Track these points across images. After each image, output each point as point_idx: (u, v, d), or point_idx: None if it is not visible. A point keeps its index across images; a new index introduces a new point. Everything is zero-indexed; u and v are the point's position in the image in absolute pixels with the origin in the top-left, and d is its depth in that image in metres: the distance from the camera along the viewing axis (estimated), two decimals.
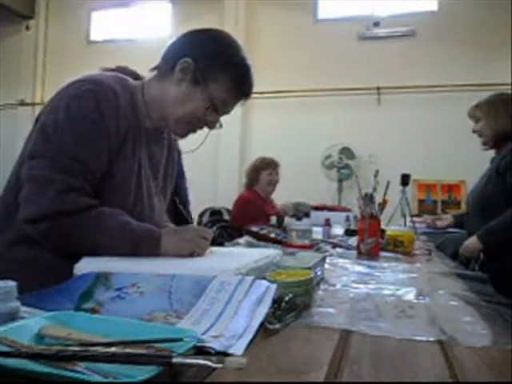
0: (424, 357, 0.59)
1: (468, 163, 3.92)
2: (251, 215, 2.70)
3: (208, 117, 1.06)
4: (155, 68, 1.10)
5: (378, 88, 4.53)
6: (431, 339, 0.65)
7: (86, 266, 0.82)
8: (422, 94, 4.43)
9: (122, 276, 0.76)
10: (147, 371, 0.43)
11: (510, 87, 3.80)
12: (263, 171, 2.99)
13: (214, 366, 0.44)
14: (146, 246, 0.95)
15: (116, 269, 0.79)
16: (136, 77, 1.14)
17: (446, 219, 2.21)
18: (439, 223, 2.23)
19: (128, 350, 0.47)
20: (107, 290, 0.72)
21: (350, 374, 0.53)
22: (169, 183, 1.23)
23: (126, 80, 1.09)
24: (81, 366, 0.45)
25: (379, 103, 4.57)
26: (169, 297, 0.71)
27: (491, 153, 2.03)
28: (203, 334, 0.59)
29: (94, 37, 5.99)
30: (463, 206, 4.19)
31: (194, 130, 1.10)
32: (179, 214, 1.66)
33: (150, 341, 0.51)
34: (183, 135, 1.12)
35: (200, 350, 0.54)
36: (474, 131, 2.02)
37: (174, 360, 0.43)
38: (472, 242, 1.81)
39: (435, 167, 4.28)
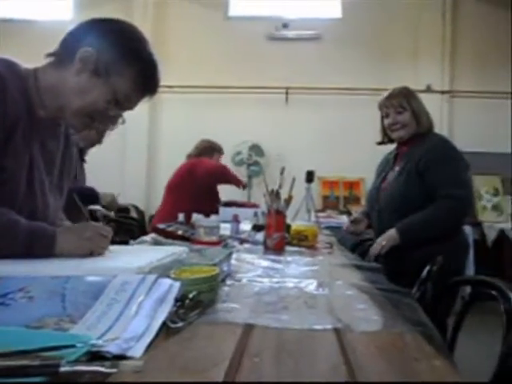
0: (321, 345, 0.62)
1: (366, 161, 4.22)
2: (212, 162, 3.04)
3: (109, 111, 1.01)
4: (52, 54, 1.02)
5: (287, 88, 4.68)
6: (328, 327, 0.68)
7: None
8: (326, 96, 4.67)
9: (8, 280, 0.69)
10: (30, 382, 0.39)
11: None
12: (216, 154, 3.24)
13: (108, 371, 0.41)
14: (38, 246, 0.88)
15: (2, 272, 0.72)
16: None
17: (362, 221, 2.06)
18: (358, 228, 2.07)
19: (9, 363, 0.43)
20: None
21: (250, 367, 0.53)
22: (65, 179, 1.14)
23: (15, 65, 0.99)
24: None
25: (287, 102, 4.72)
26: (62, 300, 0.66)
27: (389, 151, 2.11)
28: (99, 337, 0.55)
29: None
30: (363, 202, 4.50)
31: (92, 125, 1.04)
32: (79, 211, 1.56)
33: (37, 350, 0.47)
34: (80, 129, 1.05)
35: (96, 355, 0.51)
36: (394, 123, 1.89)
37: (63, 369, 0.40)
38: (391, 235, 1.77)
39: (338, 165, 4.54)
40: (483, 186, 4.27)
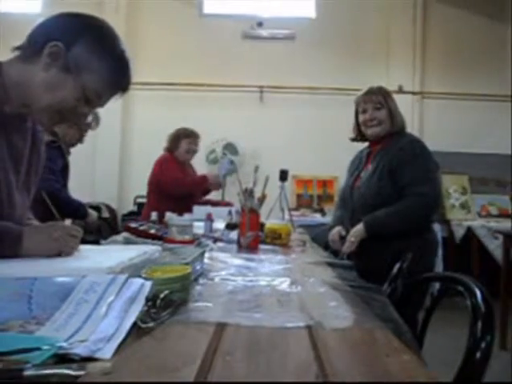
0: (293, 342, 0.62)
1: (340, 160, 4.27)
2: (170, 173, 2.95)
3: (79, 108, 0.98)
4: (19, 48, 0.98)
5: (261, 86, 4.68)
6: (300, 325, 0.69)
7: None
8: (300, 95, 4.69)
9: None
10: None
11: None
12: (184, 139, 3.16)
13: (75, 373, 0.40)
14: (3, 246, 0.85)
15: None
16: None
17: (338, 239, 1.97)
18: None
19: None
20: None
21: (222, 366, 0.53)
22: (33, 177, 1.11)
23: None
24: None
25: (262, 101, 4.73)
26: (28, 302, 0.65)
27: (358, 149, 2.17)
28: (67, 339, 0.54)
29: None
30: (336, 200, 4.55)
31: (61, 122, 1.01)
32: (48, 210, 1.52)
33: (1, 353, 0.45)
34: (49, 125, 1.02)
35: (64, 358, 0.49)
36: (371, 119, 1.91)
37: (27, 372, 0.39)
38: (358, 229, 1.81)
39: (312, 164, 4.57)
40: (452, 185, 4.39)
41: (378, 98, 1.91)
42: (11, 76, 0.96)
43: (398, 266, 1.48)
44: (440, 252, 3.88)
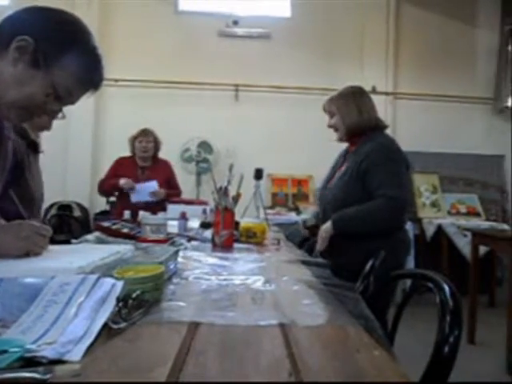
0: (266, 340, 0.62)
1: (315, 159, 4.30)
2: (115, 174, 3.19)
3: (49, 105, 0.96)
4: None
5: (236, 85, 4.67)
6: (274, 323, 0.69)
7: None
8: (276, 94, 4.71)
9: None
10: None
11: None
12: (136, 140, 3.31)
13: (42, 377, 0.39)
14: None
15: None
16: None
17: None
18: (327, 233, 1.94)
19: None
20: None
21: (195, 365, 0.53)
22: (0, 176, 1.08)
23: None
24: None
25: (237, 99, 4.72)
26: None
27: (336, 149, 2.18)
28: (34, 342, 0.53)
29: None
30: (311, 199, 4.59)
31: (30, 118, 0.98)
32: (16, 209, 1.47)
33: None
34: (17, 122, 0.99)
35: (31, 361, 0.48)
36: (330, 126, 2.01)
37: None
38: (327, 226, 1.84)
39: (287, 163, 4.60)
40: (423, 184, 4.50)
41: (330, 106, 1.99)
42: None
43: (370, 263, 1.51)
44: (412, 250, 3.97)
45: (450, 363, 0.83)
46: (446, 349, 0.83)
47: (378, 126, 1.97)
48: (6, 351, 0.45)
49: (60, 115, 1.00)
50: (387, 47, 4.78)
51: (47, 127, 1.96)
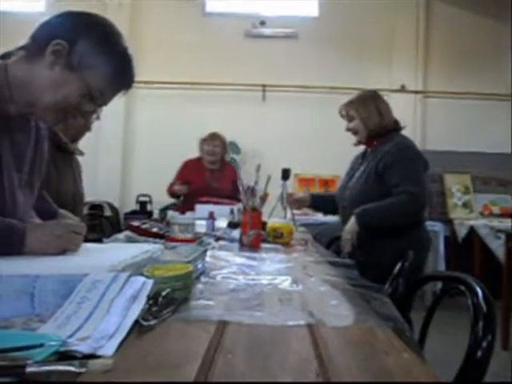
0: (293, 340, 0.62)
1: (341, 159, 4.25)
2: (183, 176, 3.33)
3: (83, 106, 0.99)
4: (22, 48, 0.99)
5: (263, 85, 4.68)
6: (301, 323, 0.69)
7: None
8: (302, 94, 4.70)
9: None
10: None
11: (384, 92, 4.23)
12: (204, 143, 3.40)
13: (76, 370, 0.41)
14: (7, 244, 0.85)
15: None
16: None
17: (304, 201, 2.29)
18: (298, 205, 2.32)
19: None
20: None
21: (223, 363, 0.53)
22: (36, 176, 1.12)
23: None
24: None
25: (264, 100, 4.73)
26: (31, 299, 0.65)
27: (362, 149, 2.18)
28: (69, 337, 0.55)
29: None
30: None
31: (65, 119, 1.02)
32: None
33: (3, 350, 0.45)
34: (53, 123, 1.03)
35: (66, 355, 0.50)
36: (349, 129, 2.06)
37: (29, 369, 0.39)
38: (351, 223, 1.87)
39: (313, 163, 4.57)
40: (454, 184, 4.38)
41: (348, 111, 2.03)
42: (16, 76, 0.96)
43: (399, 265, 1.49)
44: (442, 251, 3.88)
45: (483, 369, 0.81)
46: (479, 354, 0.81)
47: (396, 128, 2.02)
48: (42, 345, 0.47)
49: (94, 116, 1.03)
50: (417, 45, 4.68)
51: (88, 129, 2.01)
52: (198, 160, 3.46)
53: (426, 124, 4.66)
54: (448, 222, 4.12)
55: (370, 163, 1.96)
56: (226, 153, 3.48)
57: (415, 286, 1.29)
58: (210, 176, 3.38)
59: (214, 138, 3.41)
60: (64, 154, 1.90)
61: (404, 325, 0.76)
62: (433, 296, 2.64)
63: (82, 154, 2.03)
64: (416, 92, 4.64)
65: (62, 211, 1.68)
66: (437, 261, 3.82)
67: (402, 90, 4.52)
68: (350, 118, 2.04)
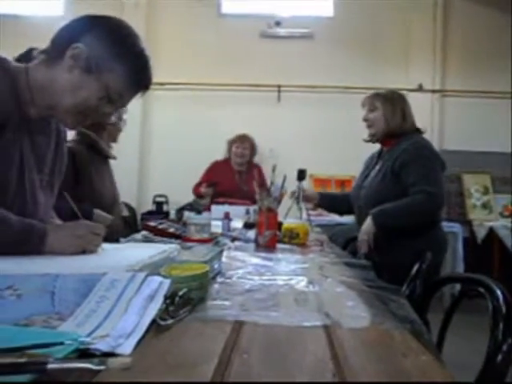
0: (310, 341, 0.62)
1: (357, 160, 4.22)
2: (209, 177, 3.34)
3: (102, 108, 1.01)
4: (43, 52, 1.01)
5: (279, 86, 4.68)
6: (317, 324, 0.69)
7: None
8: (318, 94, 4.67)
9: None
10: (17, 382, 0.39)
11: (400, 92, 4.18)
12: (233, 145, 3.45)
13: (96, 368, 0.41)
14: (28, 243, 0.87)
15: None
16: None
17: (313, 199, 2.31)
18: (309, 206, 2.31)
19: None
20: None
21: (240, 363, 0.54)
22: (57, 177, 1.14)
23: (6, 61, 0.98)
24: None
25: (279, 100, 4.72)
26: (52, 298, 0.66)
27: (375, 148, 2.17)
28: (88, 335, 0.56)
29: None
30: None
31: (85, 122, 1.04)
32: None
33: (24, 347, 0.46)
34: (73, 126, 1.05)
35: (85, 353, 0.51)
36: (366, 119, 2.02)
37: (50, 366, 0.40)
38: (368, 223, 1.86)
39: (329, 163, 4.55)
40: (473, 185, 4.31)
41: (373, 101, 2.01)
42: (37, 79, 0.98)
43: (416, 266, 1.47)
44: (461, 252, 3.81)
45: (503, 373, 0.79)
46: (499, 358, 0.79)
47: (416, 132, 2.00)
48: (62, 343, 0.48)
49: (113, 118, 1.04)
50: (434, 43, 4.61)
51: (120, 130, 2.15)
52: (226, 161, 3.45)
53: (443, 123, 4.59)
54: (467, 222, 4.06)
55: (386, 162, 1.95)
56: (254, 155, 3.45)
57: (433, 287, 1.27)
58: (239, 178, 3.37)
59: (243, 139, 3.41)
60: (102, 158, 2.11)
61: (422, 327, 0.75)
62: (451, 298, 2.60)
63: (115, 158, 2.19)
64: (433, 91, 4.57)
65: (97, 211, 1.78)
66: (455, 262, 3.76)
67: (420, 89, 4.46)
68: (372, 108, 2.00)
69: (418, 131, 2.02)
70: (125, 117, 2.13)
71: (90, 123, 1.12)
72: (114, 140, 2.20)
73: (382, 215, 1.85)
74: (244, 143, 3.40)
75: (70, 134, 1.53)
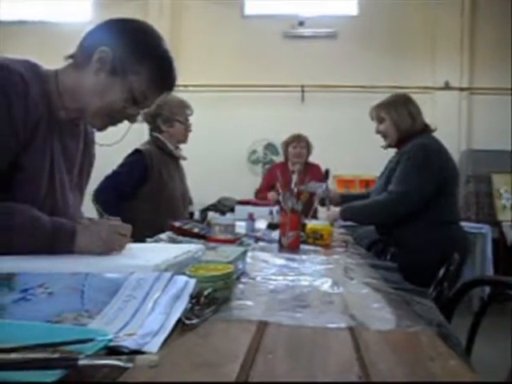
0: (335, 342, 0.62)
1: (382, 160, 4.16)
2: (269, 181, 3.29)
3: (128, 109, 1.03)
4: (71, 56, 1.04)
5: (302, 86, 4.66)
6: (342, 326, 0.68)
7: None
8: (342, 94, 4.64)
9: (28, 276, 0.71)
10: (49, 376, 0.40)
11: (421, 90, 4.11)
12: (290, 145, 3.36)
13: (124, 365, 0.42)
14: (59, 242, 0.90)
15: (22, 268, 0.74)
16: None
17: (336, 199, 2.27)
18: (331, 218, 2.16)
19: (30, 355, 0.44)
20: (10, 291, 0.67)
21: (264, 363, 0.54)
22: (85, 178, 1.17)
23: (37, 66, 1.01)
24: None
25: (303, 101, 4.71)
26: (81, 296, 0.68)
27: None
28: (117, 333, 0.57)
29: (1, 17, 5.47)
30: None
31: (113, 123, 1.06)
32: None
33: (56, 343, 0.48)
34: (101, 128, 1.07)
35: (113, 350, 0.52)
36: (378, 132, 2.07)
37: (81, 362, 0.41)
38: (335, 212, 2.04)
39: (354, 163, 4.50)
40: (502, 185, 4.19)
41: (378, 113, 2.05)
42: (65, 83, 1.01)
43: (443, 269, 1.44)
44: (490, 255, 3.71)
45: None
46: None
47: (426, 131, 2.00)
48: (92, 340, 0.49)
49: (139, 118, 1.06)
50: (462, 40, 4.51)
51: (190, 130, 2.28)
52: (283, 164, 3.41)
53: (471, 122, 4.48)
54: (496, 224, 3.94)
55: (389, 165, 2.03)
56: (310, 153, 3.41)
57: (462, 290, 1.24)
58: (295, 178, 3.36)
59: (299, 139, 3.34)
60: (172, 160, 2.22)
61: (450, 330, 0.74)
62: (480, 301, 2.53)
63: (185, 158, 2.31)
64: (461, 89, 4.47)
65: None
66: (484, 265, 3.66)
67: (447, 87, 4.37)
68: (380, 120, 2.04)
69: (428, 129, 2.01)
70: (191, 119, 2.30)
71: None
72: (184, 141, 2.34)
73: (348, 212, 1.99)
74: (300, 142, 3.34)
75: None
